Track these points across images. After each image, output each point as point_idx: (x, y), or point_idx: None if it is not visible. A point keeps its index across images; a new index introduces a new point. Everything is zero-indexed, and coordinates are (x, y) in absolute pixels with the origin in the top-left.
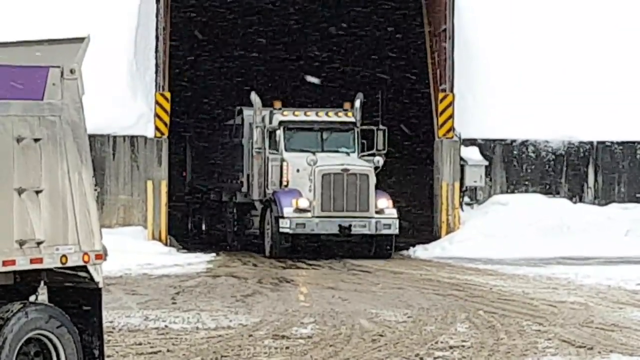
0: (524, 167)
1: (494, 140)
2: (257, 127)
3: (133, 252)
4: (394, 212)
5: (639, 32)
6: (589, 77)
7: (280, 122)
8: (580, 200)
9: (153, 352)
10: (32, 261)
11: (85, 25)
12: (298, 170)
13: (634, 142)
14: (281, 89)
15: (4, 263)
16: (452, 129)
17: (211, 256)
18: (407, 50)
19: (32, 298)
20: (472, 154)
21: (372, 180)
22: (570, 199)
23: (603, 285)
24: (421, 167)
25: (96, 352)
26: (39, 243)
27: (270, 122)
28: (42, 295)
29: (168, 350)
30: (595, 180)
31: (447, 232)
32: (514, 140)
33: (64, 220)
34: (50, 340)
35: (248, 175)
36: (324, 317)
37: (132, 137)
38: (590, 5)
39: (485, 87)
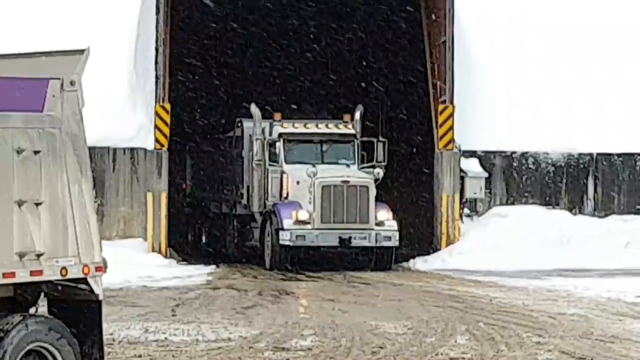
0: (524, 178)
1: (494, 152)
2: (257, 139)
3: (133, 264)
4: (394, 224)
5: (638, 44)
6: (589, 89)
7: (280, 134)
8: (580, 212)
9: None
10: (32, 273)
11: (85, 37)
12: (298, 182)
13: (633, 154)
14: (281, 101)
15: (4, 275)
16: (452, 140)
17: (211, 268)
18: (407, 62)
19: (32, 310)
20: (472, 165)
21: (372, 192)
22: (570, 210)
23: (603, 297)
24: (421, 179)
25: None
26: (38, 255)
27: (270, 134)
28: (42, 307)
29: None
30: (595, 191)
31: (447, 244)
32: (514, 152)
33: (64, 232)
34: (50, 352)
35: (248, 187)
36: (324, 329)
37: (132, 149)
38: (589, 17)
39: (485, 98)
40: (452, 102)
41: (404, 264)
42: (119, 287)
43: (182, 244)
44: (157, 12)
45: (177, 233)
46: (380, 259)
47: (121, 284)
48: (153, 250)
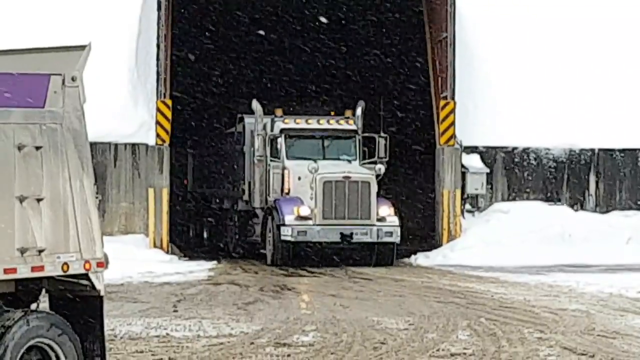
0: (526, 174)
1: (496, 148)
2: (258, 134)
3: (134, 260)
4: (395, 220)
5: (639, 40)
6: (590, 85)
7: (282, 130)
8: (582, 208)
9: None
10: (33, 269)
11: (86, 33)
12: (299, 178)
13: (635, 150)
14: (283, 96)
15: (6, 271)
16: (453, 136)
17: (212, 264)
18: (409, 58)
19: (33, 306)
20: (473, 161)
21: (374, 187)
22: (572, 206)
23: (604, 292)
24: (423, 175)
25: None
26: (40, 251)
27: (272, 130)
28: (44, 303)
29: (169, 358)
30: (597, 187)
31: (449, 240)
32: (516, 148)
33: (65, 228)
34: (52, 348)
35: (249, 183)
36: (325, 324)
37: (133, 145)
38: (590, 14)
39: (486, 94)
40: (453, 98)
41: (406, 260)
42: (121, 283)
43: (184, 239)
44: (159, 9)
45: (178, 229)
46: (381, 255)
47: (122, 279)
48: (154, 246)
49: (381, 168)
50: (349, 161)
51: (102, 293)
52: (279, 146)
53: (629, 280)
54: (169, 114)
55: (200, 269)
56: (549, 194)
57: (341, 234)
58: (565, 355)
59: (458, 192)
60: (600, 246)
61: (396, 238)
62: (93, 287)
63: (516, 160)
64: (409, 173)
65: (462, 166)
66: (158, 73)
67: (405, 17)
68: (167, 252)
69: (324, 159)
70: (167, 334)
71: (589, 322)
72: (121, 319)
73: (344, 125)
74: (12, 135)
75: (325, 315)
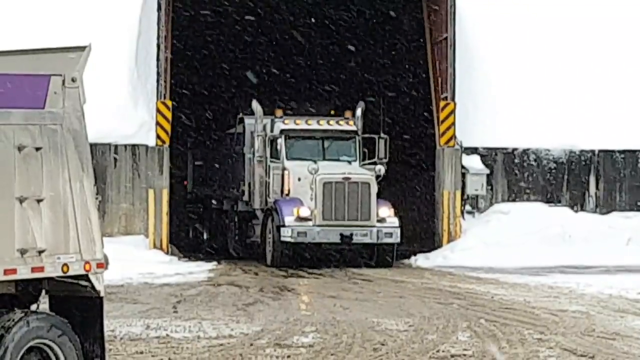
0: (526, 175)
1: (496, 149)
2: (258, 135)
3: (134, 261)
4: (395, 221)
5: (639, 40)
6: (591, 86)
7: (282, 131)
8: (582, 209)
9: None
10: (33, 270)
11: (86, 34)
12: (299, 179)
13: (635, 151)
14: (282, 97)
15: (6, 272)
16: (453, 137)
17: (212, 265)
18: (409, 59)
19: (33, 307)
20: (473, 162)
21: (374, 188)
22: (572, 207)
23: (604, 294)
24: (422, 176)
25: None
26: (40, 252)
27: (272, 131)
28: (44, 304)
29: (169, 359)
30: (597, 188)
31: (449, 241)
32: (516, 149)
33: (65, 229)
34: (52, 349)
35: (249, 184)
36: (325, 325)
37: (133, 146)
38: (591, 15)
39: (486, 95)
40: (453, 99)
41: (405, 261)
42: (120, 284)
43: (184, 240)
44: (159, 9)
45: (178, 230)
46: (381, 256)
47: (122, 280)
48: (154, 247)
49: (381, 169)
50: (349, 162)
51: (102, 294)
52: (278, 147)
53: (629, 282)
54: (168, 114)
55: (200, 270)
56: (549, 195)
57: (341, 235)
58: (565, 357)
59: (458, 193)
60: (600, 247)
61: (396, 239)
62: (93, 288)
63: (516, 161)
64: (409, 174)
65: (462, 167)
66: (158, 73)
67: (405, 17)
68: (167, 253)
69: (324, 159)
70: (167, 335)
71: (589, 324)
72: (121, 320)
73: (343, 126)
74: (12, 136)
75: (325, 316)
